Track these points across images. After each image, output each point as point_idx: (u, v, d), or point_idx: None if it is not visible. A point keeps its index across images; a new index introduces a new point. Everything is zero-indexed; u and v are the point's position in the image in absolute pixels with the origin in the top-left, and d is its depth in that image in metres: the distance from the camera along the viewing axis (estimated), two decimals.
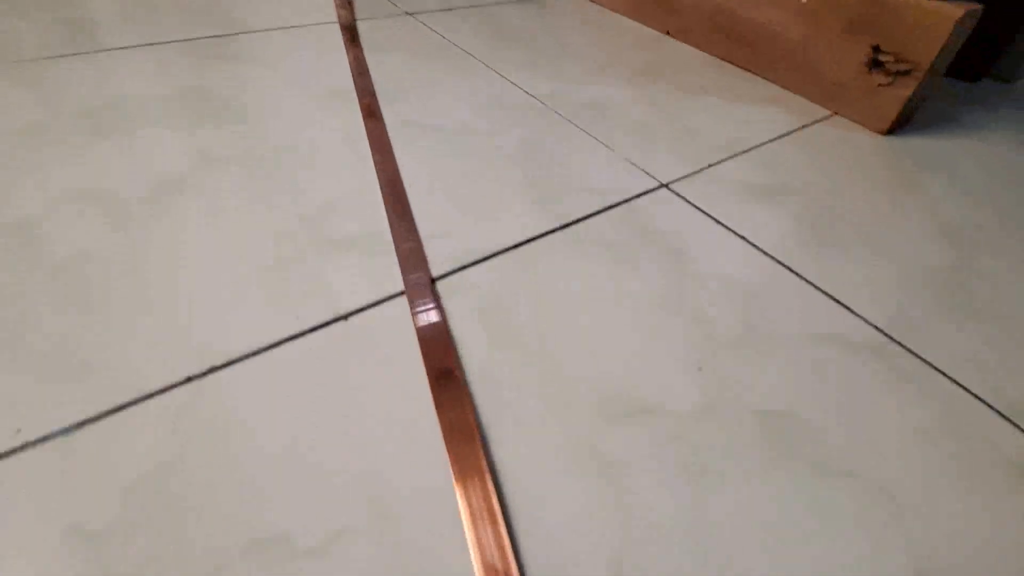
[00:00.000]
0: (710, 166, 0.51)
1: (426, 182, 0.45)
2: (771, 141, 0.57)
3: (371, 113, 0.51)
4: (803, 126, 0.60)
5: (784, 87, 0.67)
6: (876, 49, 0.58)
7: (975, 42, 0.79)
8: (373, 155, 0.46)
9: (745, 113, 0.61)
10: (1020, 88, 0.83)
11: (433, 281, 0.36)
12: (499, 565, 0.22)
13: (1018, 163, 0.59)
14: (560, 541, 0.24)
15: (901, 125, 0.62)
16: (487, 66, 0.64)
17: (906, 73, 0.56)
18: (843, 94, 0.62)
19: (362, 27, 0.70)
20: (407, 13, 0.75)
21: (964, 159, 0.59)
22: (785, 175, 0.51)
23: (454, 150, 0.49)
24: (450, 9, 0.80)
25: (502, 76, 0.62)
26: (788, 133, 0.59)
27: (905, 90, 0.57)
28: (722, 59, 0.73)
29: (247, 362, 0.30)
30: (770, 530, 0.25)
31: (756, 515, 0.26)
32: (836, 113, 0.63)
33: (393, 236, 0.39)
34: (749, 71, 0.70)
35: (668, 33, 0.79)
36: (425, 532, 0.24)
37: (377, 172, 0.44)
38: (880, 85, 0.59)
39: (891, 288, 0.40)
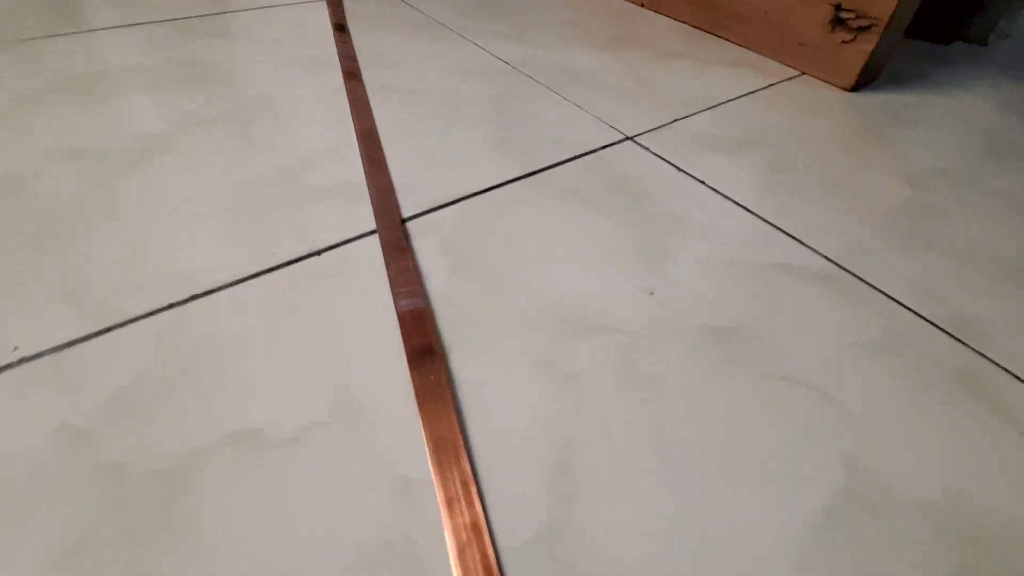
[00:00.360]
0: (675, 120, 0.53)
1: (400, 137, 0.47)
2: (739, 98, 0.59)
3: (351, 75, 0.53)
4: (771, 84, 0.62)
5: (755, 51, 0.69)
6: (838, 7, 0.59)
7: (946, 4, 0.81)
8: (352, 112, 0.48)
9: (715, 74, 0.63)
10: (993, 50, 0.85)
11: (403, 221, 0.38)
12: (451, 443, 0.25)
13: (984, 117, 0.61)
14: (510, 431, 0.26)
15: (868, 81, 0.63)
16: (464, 37, 0.66)
17: (867, 28, 0.58)
18: (809, 53, 0.64)
19: (348, 5, 0.72)
20: None
21: (930, 112, 0.60)
22: (749, 128, 0.53)
23: (428, 110, 0.51)
24: None
25: (479, 46, 0.64)
26: (756, 91, 0.61)
27: (867, 45, 0.58)
28: (695, 27, 0.75)
29: (226, 291, 0.32)
30: (716, 425, 0.27)
31: (703, 413, 0.28)
32: (804, 73, 0.65)
33: (368, 183, 0.41)
34: (721, 37, 0.72)
35: (643, 5, 0.80)
36: (385, 421, 0.26)
37: (355, 127, 0.46)
38: (843, 42, 0.60)
39: (846, 225, 0.42)
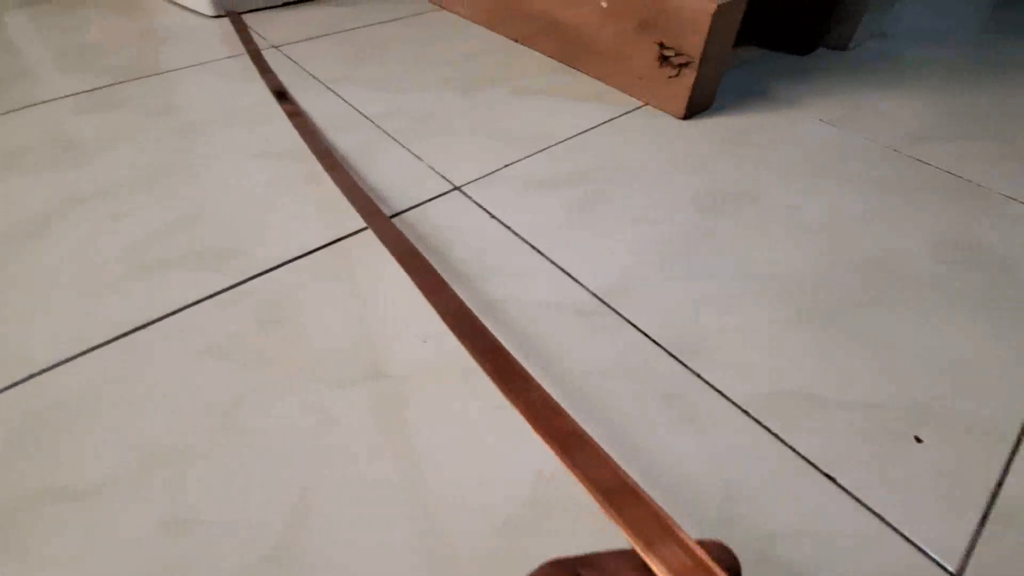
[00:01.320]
0: (511, 164, 0.59)
1: (230, 198, 0.52)
2: (578, 134, 0.64)
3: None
4: (613, 118, 0.68)
5: (607, 83, 0.75)
6: (662, 46, 0.65)
7: (800, 13, 0.87)
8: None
9: (565, 110, 0.69)
10: (854, 54, 0.91)
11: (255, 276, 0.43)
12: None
13: (805, 133, 0.67)
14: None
15: (701, 108, 0.69)
16: (331, 90, 0.71)
17: (686, 65, 0.64)
18: (648, 86, 0.69)
19: (229, 64, 0.77)
20: (273, 47, 0.82)
21: (752, 135, 0.66)
22: (574, 165, 0.59)
23: (264, 174, 0.56)
24: (324, 36, 0.87)
25: (343, 99, 0.69)
26: (597, 125, 0.66)
27: (688, 80, 0.64)
28: (559, 61, 0.80)
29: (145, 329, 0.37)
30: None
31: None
32: (647, 103, 0.71)
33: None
34: (580, 71, 0.78)
35: (517, 40, 0.86)
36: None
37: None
38: (670, 77, 0.66)
39: (622, 257, 0.48)
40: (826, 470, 0.33)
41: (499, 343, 0.32)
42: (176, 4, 0.95)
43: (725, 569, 0.12)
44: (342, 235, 0.49)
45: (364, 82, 0.73)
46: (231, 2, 0.91)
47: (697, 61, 0.62)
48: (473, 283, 0.45)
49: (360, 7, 0.97)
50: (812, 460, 0.34)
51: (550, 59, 0.81)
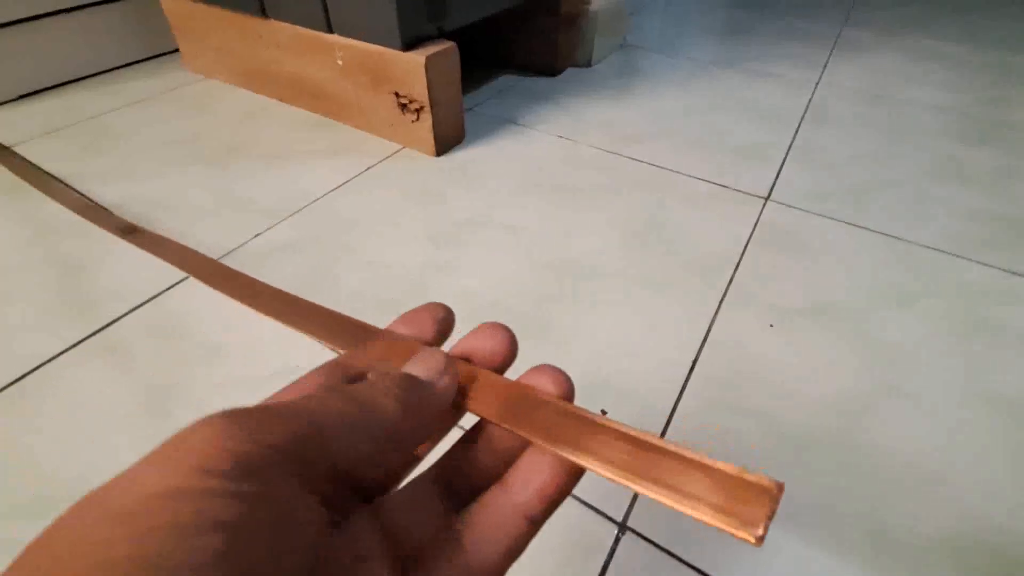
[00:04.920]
0: (254, 238, 0.59)
1: None
2: (333, 190, 0.66)
3: None
4: (371, 165, 0.71)
5: (368, 132, 0.78)
6: (397, 95, 0.70)
7: (546, 42, 0.97)
8: None
9: (322, 167, 0.71)
10: (597, 69, 1.03)
11: None
12: None
13: (541, 150, 0.75)
14: None
15: (453, 143, 0.75)
16: (68, 185, 0.67)
17: (422, 109, 0.69)
18: (400, 131, 0.74)
19: None
20: (2, 145, 0.76)
21: (497, 158, 0.73)
22: (323, 222, 0.61)
23: None
24: (66, 127, 0.81)
25: (79, 193, 0.66)
26: (352, 178, 0.69)
27: (428, 122, 0.69)
28: (322, 115, 0.82)
29: None
30: None
31: None
32: (404, 146, 0.75)
33: None
34: (342, 123, 0.80)
35: (280, 99, 0.86)
36: None
37: None
38: (413, 121, 0.71)
39: (353, 310, 0.50)
40: None
41: None
42: None
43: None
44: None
45: (92, 176, 0.69)
46: None
47: (429, 105, 0.67)
48: (204, 369, 0.45)
49: (108, 90, 0.92)
50: None
51: (311, 113, 0.83)
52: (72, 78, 0.94)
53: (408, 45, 0.65)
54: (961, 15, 1.36)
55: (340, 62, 0.72)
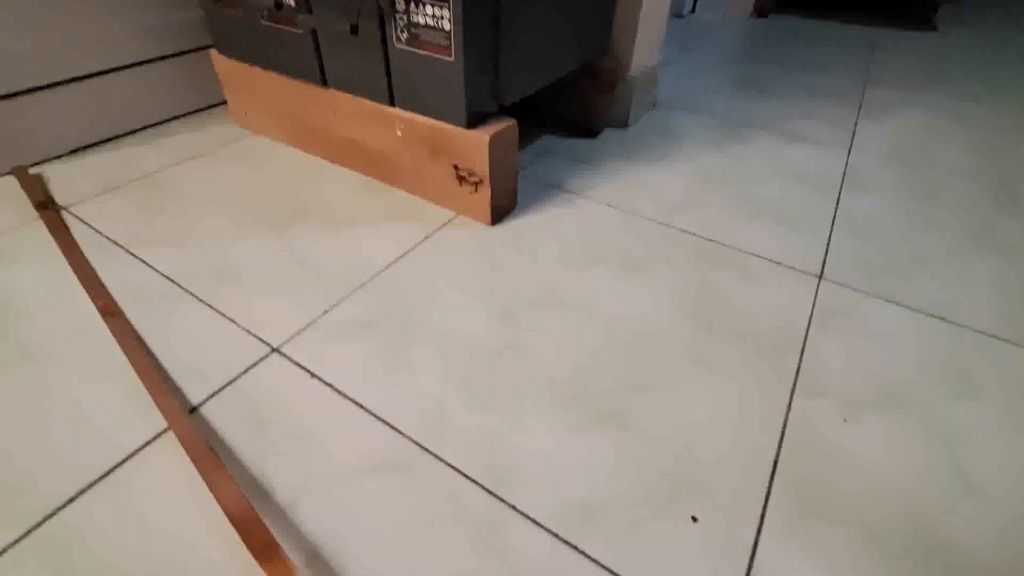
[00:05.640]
0: (325, 312, 0.60)
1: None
2: (394, 261, 0.68)
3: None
4: (429, 234, 0.73)
5: (421, 197, 0.80)
6: (456, 168, 0.72)
7: (583, 105, 0.99)
8: None
9: (381, 235, 0.72)
10: (634, 130, 1.05)
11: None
12: None
13: (594, 220, 0.77)
14: None
15: (506, 211, 0.77)
16: (126, 250, 0.68)
17: (480, 183, 0.70)
18: (455, 199, 0.75)
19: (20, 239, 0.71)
20: (63, 207, 0.77)
21: (551, 230, 0.74)
22: (389, 298, 0.62)
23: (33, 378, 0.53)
24: (120, 186, 0.83)
25: (138, 258, 0.67)
26: (412, 248, 0.70)
27: (486, 194, 0.71)
28: (374, 178, 0.84)
29: None
30: None
31: None
32: (458, 213, 0.77)
33: None
34: (395, 186, 0.82)
35: (330, 160, 0.88)
36: None
37: None
38: (471, 193, 0.72)
39: (433, 393, 0.51)
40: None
41: None
42: None
43: None
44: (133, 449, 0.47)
45: (159, 238, 0.71)
46: (14, 154, 0.84)
47: (488, 179, 0.69)
48: (282, 467, 0.45)
49: (161, 144, 0.94)
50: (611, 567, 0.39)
51: (365, 176, 0.85)
52: (125, 131, 0.96)
53: (472, 124, 0.67)
54: (973, 72, 1.41)
55: (399, 133, 0.74)
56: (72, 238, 0.71)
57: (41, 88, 0.84)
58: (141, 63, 0.94)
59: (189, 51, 1.00)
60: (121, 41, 0.90)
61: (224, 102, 1.09)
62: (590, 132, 1.01)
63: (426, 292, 0.63)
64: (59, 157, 0.89)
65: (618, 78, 0.97)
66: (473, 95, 0.66)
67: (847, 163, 0.94)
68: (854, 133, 1.06)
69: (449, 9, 0.59)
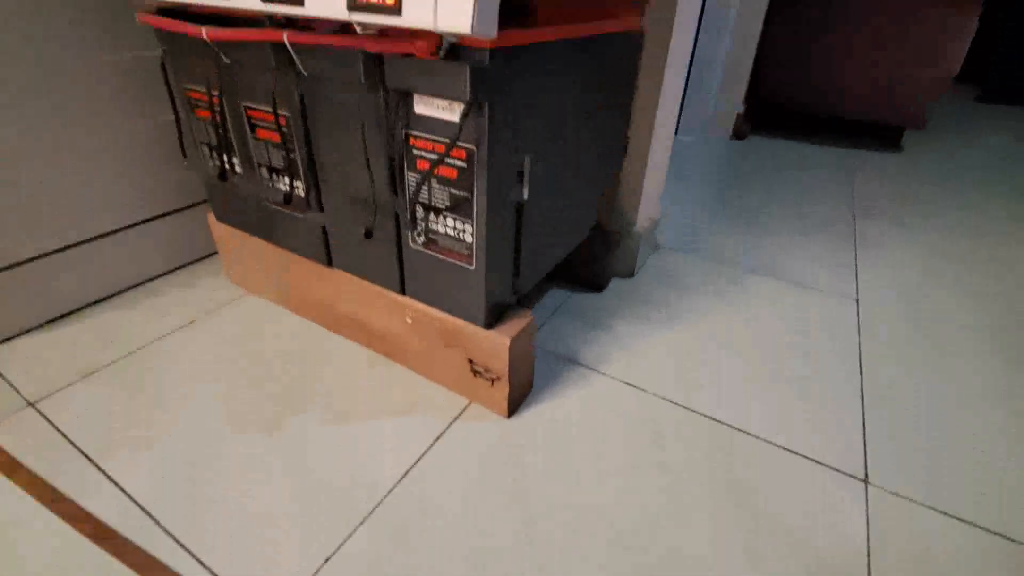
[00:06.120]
0: (326, 561, 0.53)
1: None
2: (407, 472, 0.61)
3: None
4: (441, 432, 0.67)
5: (430, 379, 0.75)
6: (472, 362, 0.67)
7: (591, 259, 0.98)
8: None
9: (389, 433, 0.66)
10: (639, 279, 1.04)
11: None
12: None
13: (614, 404, 0.72)
14: None
15: (522, 398, 0.72)
16: (96, 466, 0.60)
17: (498, 379, 0.66)
18: (470, 388, 0.70)
19: None
20: (28, 403, 0.69)
21: (569, 424, 0.69)
22: (398, 543, 0.55)
23: None
24: (95, 372, 0.76)
25: (109, 479, 0.59)
26: (424, 452, 0.64)
27: (504, 390, 0.66)
28: (379, 353, 0.79)
29: None
30: None
31: None
32: (472, 401, 0.71)
33: None
34: (399, 363, 0.77)
35: (331, 330, 0.83)
36: None
37: None
38: (487, 386, 0.68)
39: None
40: None
41: None
42: None
43: None
44: None
45: (141, 442, 0.63)
46: None
47: (507, 376, 0.65)
48: None
49: (148, 308, 0.88)
50: None
51: (368, 350, 0.80)
52: (109, 294, 0.91)
53: (490, 325, 0.64)
54: (948, 198, 1.47)
55: (409, 320, 0.70)
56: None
57: (19, 264, 0.79)
58: (130, 226, 0.91)
59: (181, 209, 0.97)
60: (111, 206, 0.87)
61: (215, 253, 1.05)
62: (597, 286, 0.99)
63: (444, 518, 0.56)
64: (31, 331, 0.82)
65: (625, 235, 0.97)
66: (492, 297, 0.62)
67: (859, 319, 0.93)
68: (856, 278, 1.06)
69: (472, 224, 0.56)
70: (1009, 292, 1.04)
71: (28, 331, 0.82)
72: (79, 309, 0.87)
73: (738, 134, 1.94)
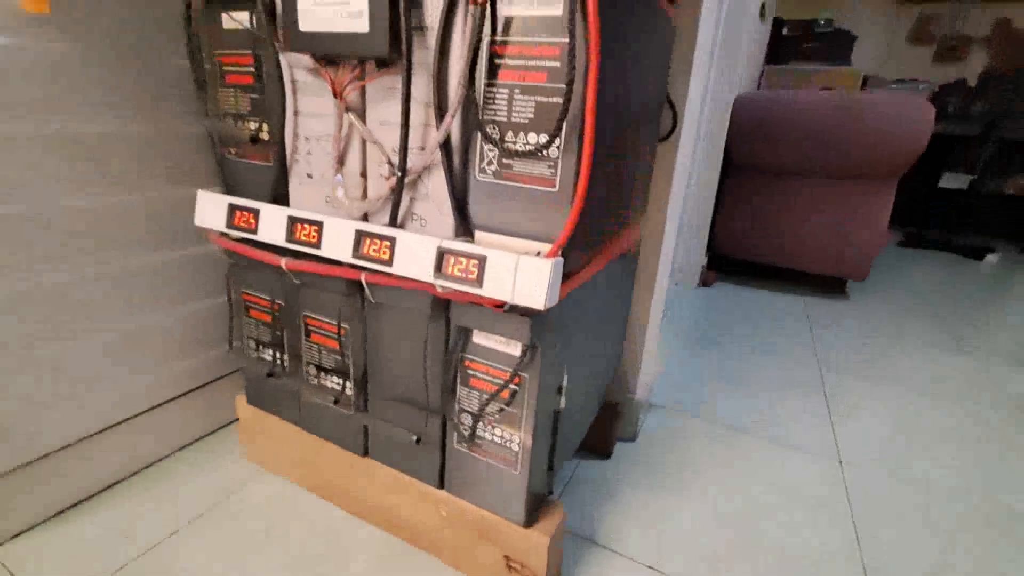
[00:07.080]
0: None
1: None
2: None
3: None
4: None
5: (461, 571, 0.75)
6: (508, 559, 0.70)
7: (599, 430, 1.04)
8: None
9: None
10: (641, 442, 1.10)
11: None
12: None
13: None
14: None
15: None
16: None
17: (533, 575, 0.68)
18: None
19: None
20: None
21: None
22: None
23: None
24: None
25: None
26: None
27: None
28: (406, 541, 0.80)
29: None
30: None
31: None
32: None
33: None
34: (429, 552, 0.78)
35: (355, 515, 0.84)
36: None
37: None
38: None
39: None
40: None
41: None
42: None
43: None
44: None
45: None
46: None
47: (544, 574, 0.67)
48: None
49: (158, 498, 0.87)
50: None
51: (394, 538, 0.81)
52: (117, 480, 0.89)
53: (529, 524, 0.68)
54: (904, 349, 1.64)
55: (444, 514, 0.73)
56: None
57: (29, 463, 0.78)
58: (146, 411, 0.92)
59: (201, 386, 1.00)
60: (131, 393, 0.89)
61: (224, 426, 1.06)
62: (606, 454, 1.04)
63: None
64: (31, 529, 0.79)
65: (627, 405, 1.05)
66: (532, 498, 0.67)
67: (846, 488, 1.01)
68: (836, 440, 1.16)
69: (519, 435, 0.63)
70: (990, 456, 1.14)
71: (24, 532, 0.78)
72: (82, 501, 0.85)
73: (705, 282, 2.14)
